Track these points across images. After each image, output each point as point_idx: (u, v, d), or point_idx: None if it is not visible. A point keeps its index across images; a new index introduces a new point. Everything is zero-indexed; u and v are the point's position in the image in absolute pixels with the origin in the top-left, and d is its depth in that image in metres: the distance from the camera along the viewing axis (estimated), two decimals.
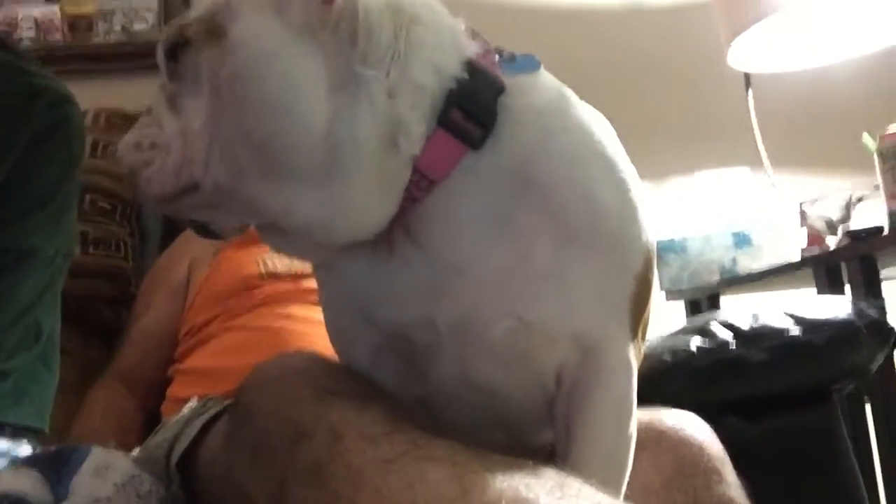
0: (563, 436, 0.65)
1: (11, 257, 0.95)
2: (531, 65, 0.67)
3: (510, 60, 0.66)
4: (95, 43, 2.01)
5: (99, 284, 1.48)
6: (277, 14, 0.60)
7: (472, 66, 0.63)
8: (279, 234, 0.65)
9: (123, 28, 2.04)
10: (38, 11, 2.03)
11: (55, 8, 2.02)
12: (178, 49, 0.63)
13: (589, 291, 0.63)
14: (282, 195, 0.60)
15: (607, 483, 0.60)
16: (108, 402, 1.29)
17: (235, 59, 0.59)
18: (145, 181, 0.63)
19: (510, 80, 0.64)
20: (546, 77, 0.67)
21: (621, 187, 0.64)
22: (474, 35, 0.66)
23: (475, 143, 0.62)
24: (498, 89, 0.63)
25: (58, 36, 2.00)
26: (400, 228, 0.63)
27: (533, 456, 0.61)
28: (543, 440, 0.71)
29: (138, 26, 2.05)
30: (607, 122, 0.69)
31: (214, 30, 0.61)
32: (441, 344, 0.64)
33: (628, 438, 0.66)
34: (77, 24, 1.99)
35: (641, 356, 0.81)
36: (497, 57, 0.66)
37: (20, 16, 2.03)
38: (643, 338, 0.76)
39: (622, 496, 0.64)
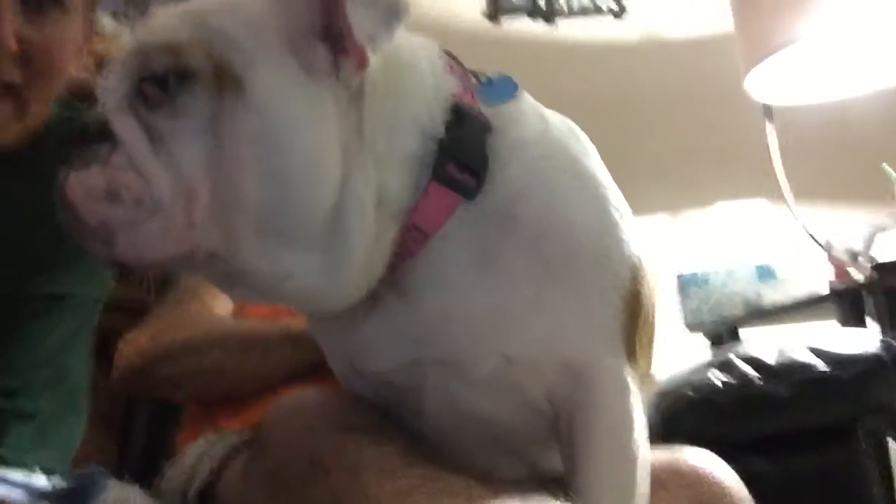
0: (568, 461, 0.64)
1: (43, 303, 0.95)
2: (510, 89, 0.66)
3: (488, 85, 0.65)
4: None
5: (119, 318, 1.48)
6: (299, 65, 0.55)
7: (458, 110, 0.61)
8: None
9: None
10: None
11: None
12: (171, 78, 0.53)
13: (573, 317, 0.62)
14: (280, 263, 0.55)
15: None
16: None
17: (260, 121, 0.53)
18: (130, 244, 0.53)
19: (493, 114, 0.63)
20: (525, 101, 0.66)
21: (600, 204, 0.64)
22: (450, 63, 0.65)
23: (470, 194, 0.61)
24: (485, 130, 0.62)
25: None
26: (385, 282, 0.61)
27: (548, 484, 0.60)
28: (557, 464, 0.69)
29: None
30: (579, 130, 0.68)
31: (227, 74, 0.53)
32: (425, 380, 0.63)
33: (633, 460, 0.63)
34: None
35: (652, 379, 0.80)
36: (475, 81, 0.65)
37: None
38: (649, 356, 0.75)
39: None
